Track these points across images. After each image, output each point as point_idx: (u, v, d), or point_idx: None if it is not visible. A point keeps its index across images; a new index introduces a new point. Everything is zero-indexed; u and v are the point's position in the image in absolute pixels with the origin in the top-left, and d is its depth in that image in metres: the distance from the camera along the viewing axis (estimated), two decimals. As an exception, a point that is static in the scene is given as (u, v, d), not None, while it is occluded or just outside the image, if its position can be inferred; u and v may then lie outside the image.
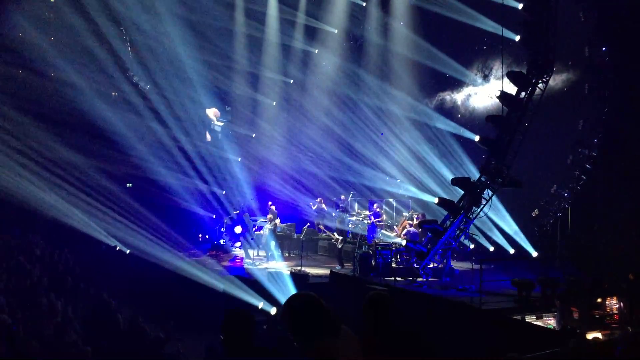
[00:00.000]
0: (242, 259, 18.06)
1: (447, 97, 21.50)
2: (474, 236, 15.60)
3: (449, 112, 21.23)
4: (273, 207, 20.07)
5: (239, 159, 24.41)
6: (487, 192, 13.71)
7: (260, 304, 12.91)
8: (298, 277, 14.51)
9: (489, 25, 17.83)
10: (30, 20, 19.27)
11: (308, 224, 18.91)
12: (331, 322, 3.25)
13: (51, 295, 11.46)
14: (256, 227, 19.86)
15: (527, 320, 10.47)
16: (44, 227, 18.69)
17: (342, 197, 20.84)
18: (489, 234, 16.67)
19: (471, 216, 13.89)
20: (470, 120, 20.13)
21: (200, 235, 22.61)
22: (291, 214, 21.67)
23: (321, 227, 18.79)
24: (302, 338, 3.21)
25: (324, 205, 20.38)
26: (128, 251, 17.76)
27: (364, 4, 22.49)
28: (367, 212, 19.45)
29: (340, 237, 17.32)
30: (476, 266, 12.12)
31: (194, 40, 21.91)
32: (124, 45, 22.22)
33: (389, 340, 3.93)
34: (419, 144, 20.98)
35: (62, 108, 19.84)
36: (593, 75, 15.67)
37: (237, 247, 20.05)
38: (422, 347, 4.00)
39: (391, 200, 20.81)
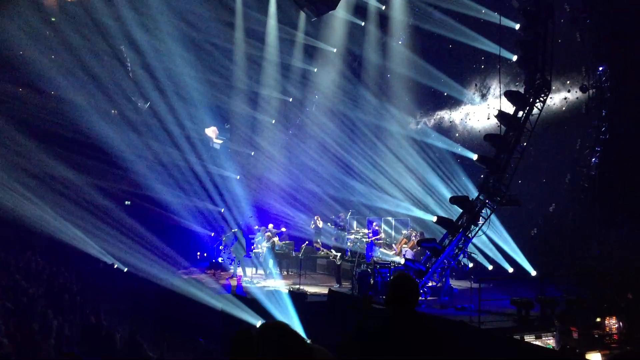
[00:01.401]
0: (240, 277, 17.98)
1: (445, 116, 21.61)
2: (472, 255, 15.56)
3: (447, 130, 21.32)
4: (271, 226, 20.05)
5: (238, 177, 24.44)
6: (486, 211, 13.71)
7: (258, 323, 12.84)
8: (296, 296, 14.44)
9: (487, 45, 17.97)
10: (31, 38, 19.41)
11: (307, 242, 18.87)
12: (303, 347, 3.27)
13: (48, 313, 11.42)
14: (254, 245, 19.79)
15: (526, 340, 10.41)
16: (41, 245, 18.64)
17: (341, 215, 20.84)
18: (488, 252, 16.64)
19: (470, 235, 13.86)
20: (469, 139, 20.20)
21: (198, 253, 22.54)
22: (290, 232, 21.63)
23: (318, 245, 18.72)
24: None
25: (320, 223, 20.40)
26: (126, 269, 17.70)
27: (363, 24, 22.70)
28: (366, 231, 19.41)
29: (339, 254, 17.25)
30: (475, 285, 12.07)
31: (193, 58, 22.08)
32: (124, 64, 22.38)
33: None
34: (418, 163, 21.01)
35: (62, 126, 19.92)
36: (591, 94, 15.75)
37: (238, 264, 19.95)
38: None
39: (390, 218, 20.79)
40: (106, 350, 10.18)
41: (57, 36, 20.54)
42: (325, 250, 18.17)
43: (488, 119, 18.87)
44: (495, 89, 18.52)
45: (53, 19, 20.97)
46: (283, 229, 20.50)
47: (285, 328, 3.36)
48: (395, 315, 3.95)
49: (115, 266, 18.02)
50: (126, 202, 22.70)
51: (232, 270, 18.74)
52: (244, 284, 16.54)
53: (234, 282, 16.71)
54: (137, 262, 17.39)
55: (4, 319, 10.41)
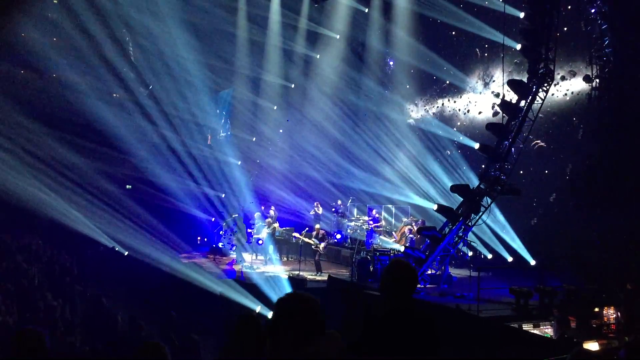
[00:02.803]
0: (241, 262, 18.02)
1: (448, 104, 21.54)
2: (472, 243, 15.58)
3: (449, 119, 21.28)
4: (272, 211, 20.05)
5: (239, 163, 24.42)
6: (486, 200, 13.71)
7: (258, 308, 12.90)
8: (296, 282, 14.49)
9: (491, 33, 17.88)
10: (33, 22, 19.29)
11: (307, 228, 18.87)
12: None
13: (48, 295, 11.47)
14: (254, 231, 19.79)
15: (524, 329, 10.46)
16: (42, 228, 18.67)
17: (339, 202, 20.85)
18: (488, 241, 16.67)
19: (470, 223, 13.88)
20: (470, 127, 20.16)
21: (198, 238, 22.58)
22: (290, 218, 21.65)
23: (296, 235, 18.10)
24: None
25: (320, 209, 20.43)
26: (126, 253, 17.75)
27: (366, 10, 22.56)
28: (366, 218, 19.44)
29: (323, 244, 16.87)
30: (474, 273, 12.10)
31: (196, 43, 21.96)
32: (126, 47, 22.28)
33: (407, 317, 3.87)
34: (419, 151, 21.00)
35: (63, 109, 19.86)
36: (594, 84, 15.68)
37: (235, 250, 19.97)
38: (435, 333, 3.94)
39: (390, 206, 20.81)
40: (107, 332, 10.24)
41: (59, 19, 20.42)
42: (307, 237, 17.49)
43: (495, 114, 18.72)
44: (499, 77, 18.44)
45: (55, 1, 20.83)
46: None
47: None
48: (391, 304, 3.92)
49: (116, 249, 18.06)
50: (127, 186, 22.71)
51: (232, 256, 18.80)
52: (244, 270, 16.59)
53: (238, 268, 16.79)
54: (137, 245, 17.42)
55: (5, 300, 10.47)
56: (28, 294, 11.83)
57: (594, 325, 10.27)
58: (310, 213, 20.66)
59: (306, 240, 17.09)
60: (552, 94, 15.64)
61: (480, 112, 19.89)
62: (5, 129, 18.45)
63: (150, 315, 11.52)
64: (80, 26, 20.20)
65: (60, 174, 19.38)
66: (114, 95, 22.51)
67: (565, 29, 15.93)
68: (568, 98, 16.62)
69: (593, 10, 15.58)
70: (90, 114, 20.20)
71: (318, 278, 15.78)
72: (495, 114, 17.93)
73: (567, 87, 16.66)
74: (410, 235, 17.18)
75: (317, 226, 17.50)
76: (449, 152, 20.49)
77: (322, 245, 16.88)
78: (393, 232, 19.11)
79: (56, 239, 17.70)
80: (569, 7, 15.96)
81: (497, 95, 18.40)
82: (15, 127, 18.74)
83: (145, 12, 21.18)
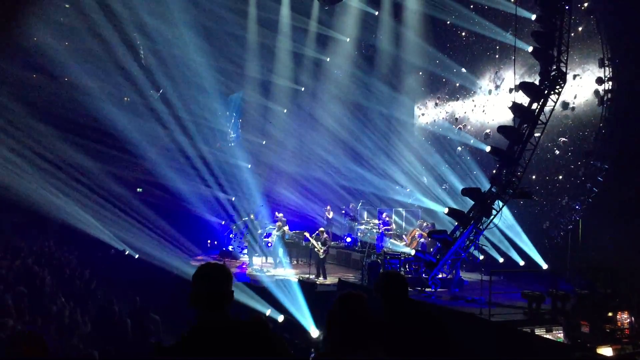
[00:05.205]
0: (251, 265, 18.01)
1: (458, 107, 21.43)
2: (483, 247, 15.46)
3: (459, 121, 21.17)
4: (281, 215, 20.03)
5: (249, 166, 24.45)
6: (498, 203, 13.60)
7: (268, 312, 12.87)
8: (306, 285, 14.44)
9: (502, 35, 17.79)
10: (45, 26, 19.43)
11: (317, 231, 18.81)
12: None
13: (60, 298, 11.50)
14: (265, 234, 19.75)
15: (536, 333, 10.35)
16: (54, 231, 18.77)
17: (352, 205, 20.80)
18: (499, 245, 16.54)
19: (481, 227, 13.77)
20: (481, 130, 20.04)
21: (209, 241, 22.60)
22: (300, 222, 21.63)
23: (306, 234, 17.88)
24: None
25: (331, 214, 20.39)
26: (137, 255, 17.80)
27: (377, 13, 22.53)
28: (377, 221, 19.36)
29: (323, 248, 16.60)
30: (486, 277, 12.01)
31: (206, 47, 22.04)
32: (137, 51, 22.39)
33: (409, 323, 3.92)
34: (430, 153, 20.90)
35: (75, 113, 19.98)
36: (607, 87, 15.53)
37: (245, 253, 19.96)
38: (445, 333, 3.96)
39: (400, 209, 20.72)
40: (118, 336, 10.25)
41: (71, 23, 20.56)
42: (311, 241, 17.24)
43: (502, 107, 18.63)
44: (510, 80, 18.32)
45: (67, 6, 20.97)
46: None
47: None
48: (387, 306, 4.05)
49: (127, 252, 18.11)
50: (138, 189, 22.80)
51: (243, 259, 18.79)
52: (254, 273, 16.57)
53: (249, 271, 16.78)
54: (148, 248, 17.46)
55: (16, 303, 10.50)
56: (39, 297, 11.86)
57: (608, 330, 10.13)
58: (329, 216, 20.66)
59: (313, 242, 16.91)
60: (565, 96, 15.49)
61: (491, 115, 19.75)
62: (17, 133, 18.58)
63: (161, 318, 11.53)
64: (91, 30, 20.34)
65: (71, 177, 19.50)
66: (125, 98, 22.62)
67: (580, 29, 15.84)
68: (580, 100, 16.46)
69: (604, 11, 15.45)
70: (101, 117, 20.31)
71: (328, 282, 15.74)
72: (506, 115, 17.83)
73: (580, 88, 16.49)
74: (422, 240, 17.09)
75: (322, 229, 17.37)
76: (459, 149, 20.37)
77: (322, 249, 16.47)
78: (403, 236, 19.02)
79: (68, 242, 17.79)
80: (583, 6, 15.85)
81: (511, 90, 18.26)
82: (27, 130, 18.88)
83: (157, 15, 21.28)
